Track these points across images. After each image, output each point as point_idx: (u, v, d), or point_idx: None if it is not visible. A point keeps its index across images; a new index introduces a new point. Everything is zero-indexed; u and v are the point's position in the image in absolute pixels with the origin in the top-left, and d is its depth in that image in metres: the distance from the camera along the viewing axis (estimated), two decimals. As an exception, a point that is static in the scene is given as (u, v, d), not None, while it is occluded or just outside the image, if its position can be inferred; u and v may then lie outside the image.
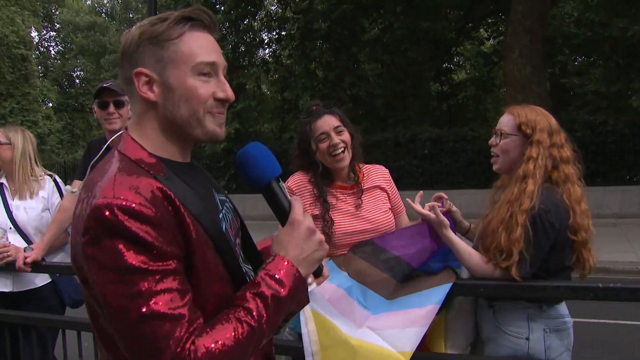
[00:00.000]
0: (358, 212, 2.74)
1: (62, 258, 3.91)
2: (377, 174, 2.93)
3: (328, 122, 2.71)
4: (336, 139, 2.69)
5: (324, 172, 2.77)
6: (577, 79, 16.21)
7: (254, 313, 1.23)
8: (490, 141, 2.58)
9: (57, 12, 38.32)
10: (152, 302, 1.12)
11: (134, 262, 1.11)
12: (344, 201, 2.77)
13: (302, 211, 1.41)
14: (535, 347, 2.39)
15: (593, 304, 2.35)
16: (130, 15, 37.56)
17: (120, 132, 1.39)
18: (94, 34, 33.95)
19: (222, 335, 1.17)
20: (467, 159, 16.02)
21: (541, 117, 2.47)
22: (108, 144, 1.10)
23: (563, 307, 2.48)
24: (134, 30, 1.37)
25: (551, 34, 15.96)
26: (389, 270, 2.52)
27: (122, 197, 1.14)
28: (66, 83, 38.08)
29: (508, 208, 2.35)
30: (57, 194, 3.93)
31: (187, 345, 1.13)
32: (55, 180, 3.99)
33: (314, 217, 2.61)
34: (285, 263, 1.32)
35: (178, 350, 1.12)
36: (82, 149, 32.15)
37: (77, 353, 3.39)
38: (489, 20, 22.31)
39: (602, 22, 13.04)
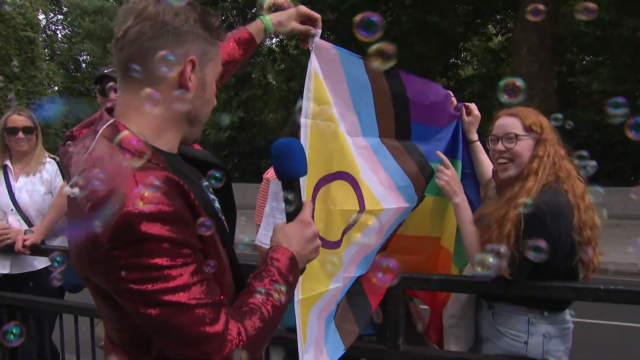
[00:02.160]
0: None
1: (62, 241, 3.91)
2: None
3: None
4: None
5: None
6: (584, 77, 16.11)
7: (276, 299, 1.31)
8: (497, 147, 2.49)
9: (65, -4, 38.31)
10: (193, 292, 1.14)
11: (167, 261, 1.11)
12: None
13: (311, 214, 1.50)
14: (534, 351, 2.38)
15: (595, 305, 2.34)
16: (138, 0, 37.41)
17: (109, 121, 1.26)
18: (102, 18, 33.81)
19: (259, 320, 1.25)
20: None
21: (541, 116, 2.47)
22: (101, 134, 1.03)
23: (565, 313, 2.45)
24: (183, 7, 1.28)
25: (560, 32, 15.85)
26: None
27: (148, 200, 1.10)
28: (72, 67, 38.03)
29: (506, 206, 2.33)
30: (60, 177, 3.93)
31: (234, 331, 1.19)
32: (58, 164, 3.98)
33: None
34: (290, 255, 1.41)
35: (227, 338, 1.17)
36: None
37: (74, 337, 3.39)
38: (498, 17, 22.17)
39: (612, 21, 12.93)
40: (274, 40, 23.73)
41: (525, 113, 2.47)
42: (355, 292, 2.40)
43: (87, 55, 38.09)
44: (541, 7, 2.40)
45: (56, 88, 33.86)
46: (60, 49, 38.79)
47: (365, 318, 2.38)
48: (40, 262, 3.81)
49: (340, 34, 19.55)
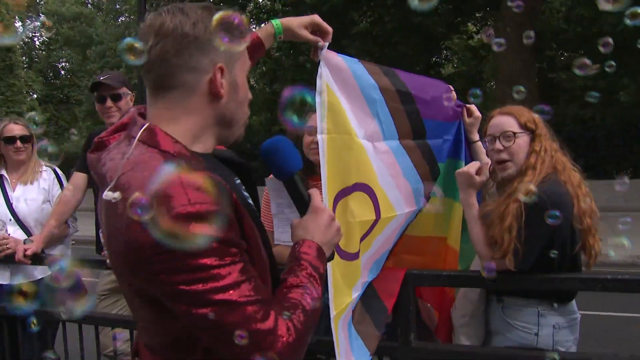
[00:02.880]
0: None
1: (62, 250, 3.89)
2: None
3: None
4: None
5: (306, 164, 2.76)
6: (564, 74, 16.30)
7: (313, 292, 1.34)
8: (496, 147, 2.51)
9: (43, 2, 37.87)
10: (243, 290, 1.16)
11: (217, 260, 1.13)
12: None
13: (321, 201, 1.51)
14: (544, 342, 2.42)
15: (595, 296, 2.40)
16: (117, 6, 37.12)
17: (145, 125, 1.27)
18: (80, 24, 33.54)
19: (302, 313, 1.27)
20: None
21: (532, 112, 2.53)
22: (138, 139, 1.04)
23: (573, 304, 2.51)
24: (200, 14, 1.28)
25: (540, 29, 16.03)
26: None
27: (196, 202, 1.10)
28: (51, 74, 37.65)
29: (506, 201, 2.38)
30: (58, 186, 3.91)
31: (284, 325, 1.21)
32: (55, 172, 3.96)
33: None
34: (316, 247, 1.43)
35: (279, 334, 1.19)
36: (67, 141, 31.87)
37: (78, 347, 3.37)
38: (478, 15, 22.34)
39: (591, 17, 13.11)
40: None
41: (519, 111, 2.53)
42: (369, 294, 2.41)
43: (65, 62, 37.71)
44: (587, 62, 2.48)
45: (35, 96, 33.49)
46: (39, 56, 38.40)
47: (382, 320, 2.39)
48: (40, 272, 3.77)
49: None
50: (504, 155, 2.49)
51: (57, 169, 4.02)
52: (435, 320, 2.85)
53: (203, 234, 1.10)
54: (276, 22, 2.12)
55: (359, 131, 2.26)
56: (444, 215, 2.82)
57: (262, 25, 2.10)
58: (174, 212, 1.08)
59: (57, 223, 3.63)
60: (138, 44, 1.26)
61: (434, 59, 23.89)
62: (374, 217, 2.29)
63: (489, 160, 2.74)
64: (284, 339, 1.20)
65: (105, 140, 1.41)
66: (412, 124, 2.55)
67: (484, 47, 23.34)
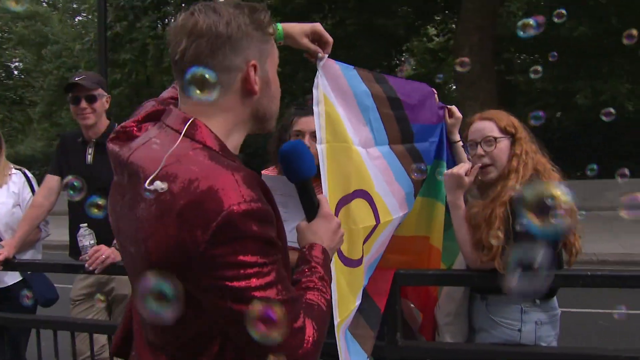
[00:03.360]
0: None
1: (33, 255, 3.79)
2: None
3: (310, 124, 2.62)
4: (307, 144, 2.61)
5: None
6: (522, 76, 16.68)
7: (328, 294, 1.39)
8: (478, 152, 2.57)
9: (-6, 0, 36.76)
10: (280, 289, 1.19)
11: (260, 258, 1.15)
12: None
13: (328, 206, 1.56)
14: (527, 337, 2.48)
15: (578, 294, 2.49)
16: (75, 5, 36.25)
17: (191, 119, 1.27)
18: (35, 23, 32.64)
19: (320, 314, 1.32)
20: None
21: (511, 116, 2.60)
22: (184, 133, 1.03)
23: (554, 300, 2.58)
24: (232, 12, 1.29)
25: (498, 32, 16.36)
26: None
27: (247, 199, 1.13)
28: (3, 74, 36.55)
29: (491, 205, 2.42)
30: (29, 189, 3.81)
31: (310, 325, 1.25)
32: (26, 175, 3.86)
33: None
34: (327, 252, 1.48)
35: (308, 334, 1.23)
36: (20, 143, 31.02)
37: (52, 353, 3.29)
38: (437, 18, 22.66)
39: (550, 21, 13.43)
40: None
41: (498, 115, 2.58)
42: (362, 296, 2.43)
43: (19, 61, 36.67)
44: (634, 32, 2.53)
45: (-14, 97, 32.51)
46: (-10, 56, 37.24)
47: (376, 320, 2.41)
48: (10, 278, 3.67)
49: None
50: (486, 160, 2.55)
51: (27, 172, 3.92)
52: (419, 320, 2.88)
53: (253, 230, 1.14)
54: (278, 26, 2.09)
55: (354, 138, 2.27)
56: (426, 215, 2.86)
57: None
58: (229, 208, 1.11)
59: (29, 228, 3.54)
60: (209, 76, 1.24)
61: (394, 61, 24.09)
62: (374, 223, 2.31)
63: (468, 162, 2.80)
64: (311, 338, 1.24)
65: (130, 130, 1.41)
66: (401, 130, 2.58)
67: (442, 50, 23.70)
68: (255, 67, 1.31)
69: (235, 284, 1.14)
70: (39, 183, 3.83)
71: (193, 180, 1.14)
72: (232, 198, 1.12)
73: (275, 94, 1.41)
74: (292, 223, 1.59)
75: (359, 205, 2.22)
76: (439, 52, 24.23)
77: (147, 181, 1.15)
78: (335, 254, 1.95)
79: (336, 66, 2.23)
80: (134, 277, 1.33)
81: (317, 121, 2.08)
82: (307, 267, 1.42)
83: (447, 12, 21.51)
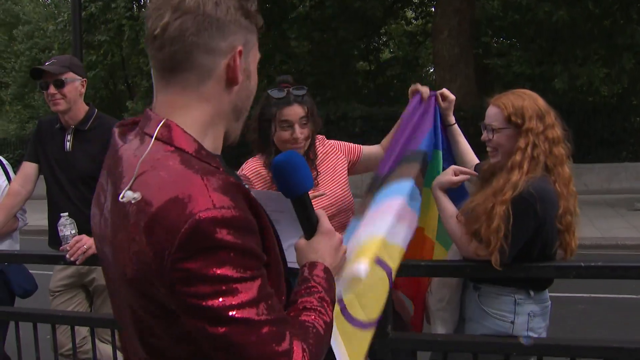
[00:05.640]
0: (315, 191, 2.67)
1: (9, 245, 3.68)
2: (323, 153, 2.90)
3: (296, 112, 2.61)
4: (298, 132, 2.62)
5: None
6: (499, 60, 16.73)
7: (326, 317, 1.27)
8: (482, 137, 2.54)
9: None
10: (261, 308, 1.07)
11: (237, 272, 1.04)
12: None
13: (328, 221, 1.45)
14: (519, 330, 2.47)
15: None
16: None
17: (163, 120, 1.17)
18: (5, 2, 31.77)
19: (315, 337, 1.20)
20: (397, 138, 16.28)
21: (528, 102, 2.42)
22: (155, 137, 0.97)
23: (546, 292, 2.57)
24: None
25: (477, 16, 16.41)
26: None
27: (218, 205, 1.03)
28: (-27, 56, 35.71)
29: (492, 199, 2.36)
30: (4, 177, 3.70)
31: (300, 347, 1.13)
32: (1, 162, 3.74)
33: None
34: (329, 271, 1.37)
35: (294, 354, 1.11)
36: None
37: (32, 345, 3.21)
38: (415, 1, 22.62)
39: (529, 6, 13.47)
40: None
41: (507, 102, 2.44)
42: None
43: (-11, 42, 35.79)
44: None
45: (-45, 79, 31.73)
46: (-42, 36, 36.28)
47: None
48: (-13, 268, 3.58)
49: (264, 19, 19.35)
50: (490, 146, 2.52)
51: (3, 159, 3.80)
52: (410, 311, 2.87)
53: (226, 240, 1.02)
54: None
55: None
56: (422, 205, 2.81)
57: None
58: (197, 215, 1.01)
59: (5, 217, 3.43)
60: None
61: (372, 44, 24.06)
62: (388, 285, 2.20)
63: (466, 146, 2.82)
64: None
65: (125, 130, 1.30)
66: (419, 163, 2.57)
67: (421, 33, 23.71)
68: (241, 53, 1.21)
69: (210, 302, 1.02)
70: (13, 167, 3.71)
71: (160, 188, 1.05)
72: (199, 204, 1.02)
73: (253, 90, 1.30)
74: (285, 241, 1.42)
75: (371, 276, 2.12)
76: (417, 35, 24.23)
77: (123, 192, 1.08)
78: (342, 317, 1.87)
79: None
80: (111, 289, 1.25)
81: None
82: (305, 286, 1.31)
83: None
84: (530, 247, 2.36)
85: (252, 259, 1.07)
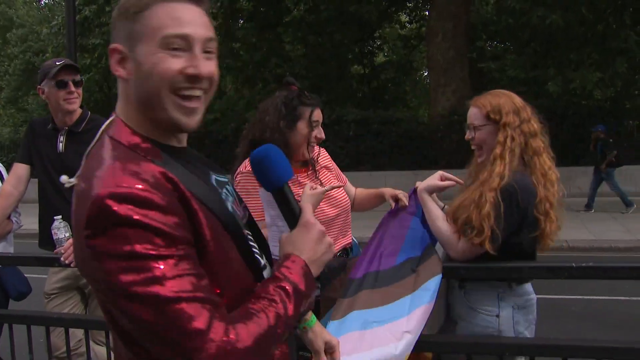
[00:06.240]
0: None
1: (4, 248, 3.68)
2: (321, 156, 3.00)
3: (320, 114, 2.78)
4: (323, 133, 2.78)
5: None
6: (494, 64, 16.80)
7: (280, 306, 1.23)
8: (466, 137, 2.67)
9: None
10: (171, 286, 1.08)
11: (143, 249, 1.06)
12: (300, 184, 2.74)
13: (312, 214, 1.43)
14: (505, 323, 2.52)
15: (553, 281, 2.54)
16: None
17: (111, 117, 1.30)
18: (-1, 5, 31.82)
19: (254, 322, 1.17)
20: (392, 141, 16.34)
21: (504, 100, 2.57)
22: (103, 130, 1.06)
23: (529, 286, 2.63)
24: None
25: (472, 20, 16.47)
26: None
27: (124, 185, 1.09)
28: (-34, 58, 35.60)
29: (480, 189, 2.47)
30: (-1, 180, 3.69)
31: (222, 330, 1.11)
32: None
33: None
34: (302, 263, 1.34)
35: (212, 338, 1.09)
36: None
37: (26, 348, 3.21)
38: (409, 5, 22.69)
39: (523, 10, 13.54)
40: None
41: (484, 102, 2.59)
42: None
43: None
44: None
45: (-51, 81, 31.59)
46: (-48, 39, 36.16)
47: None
48: (-19, 271, 3.57)
49: (257, 23, 19.42)
50: (474, 144, 2.65)
51: (-2, 162, 3.80)
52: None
53: (128, 215, 1.06)
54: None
55: None
56: None
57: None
58: (98, 193, 1.08)
59: (-1, 218, 3.43)
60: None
61: (367, 47, 24.10)
62: None
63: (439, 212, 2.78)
64: (219, 344, 1.09)
65: None
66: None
67: (415, 37, 23.77)
68: (113, 51, 1.27)
69: (116, 278, 1.06)
70: (8, 170, 3.71)
71: (86, 176, 1.16)
72: (105, 185, 1.09)
73: (147, 75, 1.24)
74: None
75: None
76: (411, 39, 24.29)
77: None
78: None
79: None
80: None
81: None
82: (270, 277, 1.31)
83: (420, -1, 21.58)
84: (517, 234, 2.46)
85: (159, 237, 1.09)
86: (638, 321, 5.89)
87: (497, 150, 2.51)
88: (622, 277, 2.47)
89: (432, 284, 2.39)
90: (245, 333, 1.14)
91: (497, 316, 2.51)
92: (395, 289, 2.40)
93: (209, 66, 1.26)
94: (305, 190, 2.36)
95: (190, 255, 1.13)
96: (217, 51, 1.32)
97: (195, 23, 1.25)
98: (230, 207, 1.35)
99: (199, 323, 1.08)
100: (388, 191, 2.88)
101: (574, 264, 2.37)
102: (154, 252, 1.07)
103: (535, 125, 2.56)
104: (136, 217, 1.06)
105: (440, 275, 2.41)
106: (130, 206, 1.06)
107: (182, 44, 1.23)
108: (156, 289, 1.06)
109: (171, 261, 1.08)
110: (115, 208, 1.06)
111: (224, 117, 19.56)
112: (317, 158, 2.94)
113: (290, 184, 2.68)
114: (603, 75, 14.55)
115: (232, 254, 1.27)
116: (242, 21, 20.39)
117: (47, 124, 3.51)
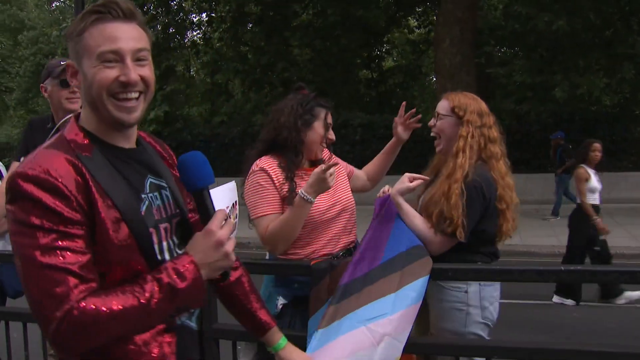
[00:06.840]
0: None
1: (3, 246, 3.70)
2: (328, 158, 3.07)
3: (331, 117, 2.91)
4: (334, 135, 2.90)
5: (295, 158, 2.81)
6: (501, 69, 16.76)
7: (147, 293, 1.41)
8: (429, 123, 2.91)
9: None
10: (51, 255, 1.33)
11: (36, 221, 1.33)
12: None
13: (220, 223, 1.55)
14: (473, 298, 2.69)
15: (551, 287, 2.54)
16: (50, -10, 35.63)
17: (69, 116, 1.43)
18: (11, 8, 32.02)
19: (112, 301, 1.37)
20: (398, 146, 16.28)
21: (472, 101, 2.80)
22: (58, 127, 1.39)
23: (495, 264, 2.81)
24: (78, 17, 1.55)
25: (479, 25, 16.44)
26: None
27: (35, 168, 1.36)
28: (-22, 60, 35.90)
29: (447, 181, 2.67)
30: (-1, 180, 3.73)
31: (79, 299, 1.33)
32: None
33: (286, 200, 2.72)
34: (190, 262, 1.50)
35: (68, 302, 1.31)
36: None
37: (22, 346, 3.23)
38: (418, 10, 22.69)
39: (529, 15, 13.51)
40: (195, 33, 23.34)
41: (454, 97, 2.84)
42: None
43: (-6, 47, 35.99)
44: None
45: (-39, 83, 31.88)
46: (-36, 41, 36.48)
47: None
48: (-21, 268, 3.60)
49: (265, 27, 19.50)
50: (434, 131, 2.89)
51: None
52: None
53: (29, 192, 1.34)
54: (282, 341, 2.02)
55: None
56: None
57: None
58: (17, 170, 1.37)
59: (-3, 217, 3.46)
60: None
61: (375, 52, 24.11)
62: None
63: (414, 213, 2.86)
64: (69, 308, 1.31)
65: None
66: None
67: (423, 42, 23.75)
68: (69, 66, 1.58)
69: (14, 238, 1.36)
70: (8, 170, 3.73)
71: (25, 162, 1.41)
72: (23, 166, 1.37)
73: (90, 85, 1.51)
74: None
75: None
76: (419, 44, 24.28)
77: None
78: None
79: None
80: None
81: None
82: (157, 269, 1.49)
83: (428, 3, 21.55)
84: (482, 221, 2.68)
85: (52, 214, 1.35)
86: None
87: (460, 144, 2.72)
88: (612, 281, 2.48)
89: (419, 285, 2.40)
90: (100, 304, 1.34)
91: (466, 292, 2.69)
92: (380, 285, 2.42)
93: (140, 72, 1.52)
94: (315, 170, 2.53)
95: (77, 235, 1.38)
96: (150, 57, 1.58)
97: (125, 38, 1.50)
98: (144, 206, 1.56)
99: (60, 289, 1.32)
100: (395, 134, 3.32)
101: (562, 267, 2.39)
102: (43, 225, 1.33)
103: (495, 133, 2.79)
104: (36, 195, 1.34)
105: (427, 277, 2.42)
106: (34, 186, 1.34)
107: (114, 57, 1.49)
108: (36, 253, 1.32)
109: (55, 235, 1.34)
110: (22, 184, 1.34)
111: (230, 120, 19.68)
112: (325, 160, 2.99)
113: (297, 181, 2.74)
114: (610, 81, 14.50)
115: (128, 242, 1.47)
116: (250, 25, 20.52)
117: (46, 123, 3.53)
